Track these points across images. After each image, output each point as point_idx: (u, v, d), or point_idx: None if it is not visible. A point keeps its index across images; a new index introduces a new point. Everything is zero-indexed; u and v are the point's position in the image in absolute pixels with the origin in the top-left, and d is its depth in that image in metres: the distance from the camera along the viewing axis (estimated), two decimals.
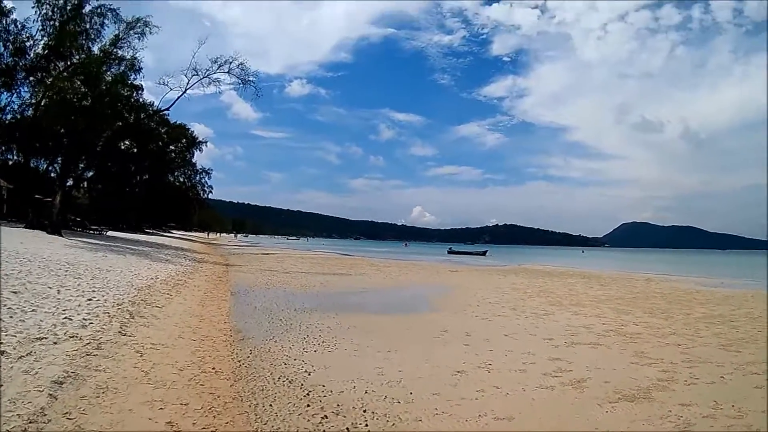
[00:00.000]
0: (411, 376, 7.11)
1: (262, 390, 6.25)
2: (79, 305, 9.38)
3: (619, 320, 12.66)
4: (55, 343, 6.67)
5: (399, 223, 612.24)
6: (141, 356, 7.07)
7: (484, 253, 76.10)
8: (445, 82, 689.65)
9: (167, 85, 34.94)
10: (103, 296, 10.84)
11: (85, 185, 58.08)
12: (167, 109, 35.87)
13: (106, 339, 7.49)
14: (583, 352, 9.01)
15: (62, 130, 32.88)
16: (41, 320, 7.62)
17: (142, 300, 11.42)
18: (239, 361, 7.66)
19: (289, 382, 6.63)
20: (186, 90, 34.90)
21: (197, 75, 35.01)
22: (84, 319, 8.40)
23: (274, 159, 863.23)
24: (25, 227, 28.21)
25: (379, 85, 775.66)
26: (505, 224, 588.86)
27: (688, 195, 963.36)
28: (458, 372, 7.38)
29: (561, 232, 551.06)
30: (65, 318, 8.15)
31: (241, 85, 35.84)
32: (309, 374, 7.04)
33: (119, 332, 8.13)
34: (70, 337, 7.09)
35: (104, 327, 8.18)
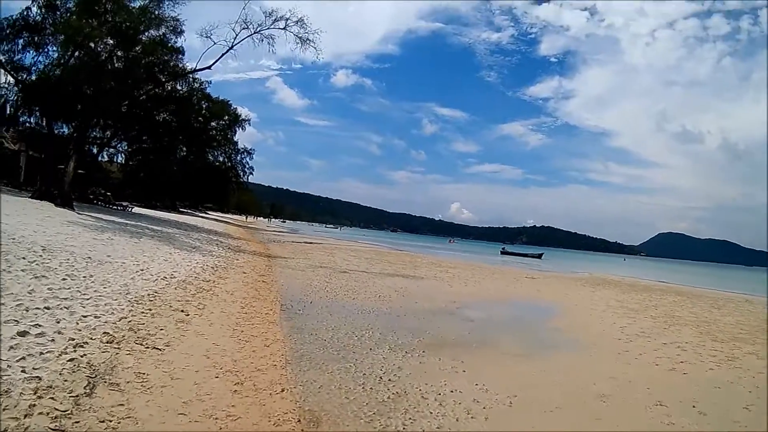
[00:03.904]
0: None
1: None
2: None
3: None
4: None
5: (436, 218, 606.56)
6: None
7: (539, 256, 69.82)
8: (491, 79, 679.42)
9: (210, 38, 29.61)
10: (62, 320, 5.96)
11: (122, 160, 54.34)
12: (210, 66, 30.48)
13: None
14: None
15: (89, 91, 28.25)
16: None
17: (132, 328, 6.45)
18: None
19: None
20: (233, 46, 29.35)
21: (247, 29, 29.56)
22: None
23: (316, 146, 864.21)
24: (31, 197, 23.70)
25: (424, 79, 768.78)
26: (543, 226, 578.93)
27: (726, 207, 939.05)
28: None
29: (598, 237, 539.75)
30: None
31: (299, 44, 30.17)
32: None
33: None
34: None
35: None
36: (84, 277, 8.49)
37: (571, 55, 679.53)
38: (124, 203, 38.15)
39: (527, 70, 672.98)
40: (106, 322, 6.24)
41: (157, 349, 5.87)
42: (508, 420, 5.47)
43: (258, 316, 9.23)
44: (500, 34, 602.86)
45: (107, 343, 5.56)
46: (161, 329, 6.68)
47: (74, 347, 5.14)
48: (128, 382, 4.73)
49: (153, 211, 42.80)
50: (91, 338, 5.54)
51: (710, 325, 14.31)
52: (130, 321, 6.61)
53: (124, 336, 5.95)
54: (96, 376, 4.64)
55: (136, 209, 37.56)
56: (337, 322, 9.71)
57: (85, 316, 6.25)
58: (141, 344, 5.87)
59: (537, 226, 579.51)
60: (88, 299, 7.08)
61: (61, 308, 6.29)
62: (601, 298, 19.59)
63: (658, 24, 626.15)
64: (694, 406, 6.52)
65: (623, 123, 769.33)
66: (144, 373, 5.02)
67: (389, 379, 6.38)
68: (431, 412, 5.39)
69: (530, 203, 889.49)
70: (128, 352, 5.49)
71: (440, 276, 22.39)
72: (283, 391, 5.45)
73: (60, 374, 4.43)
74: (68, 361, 4.74)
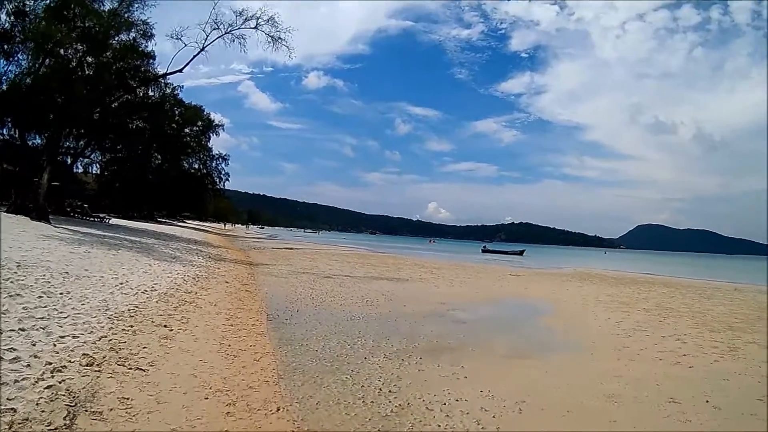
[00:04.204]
0: None
1: None
2: None
3: None
4: None
5: (414, 219, 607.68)
6: None
7: (521, 253, 70.05)
8: (462, 76, 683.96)
9: (181, 39, 29.00)
10: (38, 342, 5.55)
11: (97, 170, 53.54)
12: (182, 69, 29.77)
13: None
14: None
15: (60, 99, 27.57)
16: None
17: (113, 347, 6.06)
18: None
19: None
20: (204, 47, 28.77)
21: (218, 29, 29.00)
22: None
23: (290, 150, 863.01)
24: (6, 211, 22.94)
25: (396, 79, 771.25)
26: (521, 222, 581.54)
27: (705, 198, 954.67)
28: None
29: (577, 232, 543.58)
30: None
31: (271, 44, 29.69)
32: None
33: None
34: None
35: None
36: (61, 293, 8.05)
37: (542, 49, 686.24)
38: (101, 215, 37.35)
39: (498, 66, 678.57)
40: (85, 342, 5.84)
41: (141, 369, 5.49)
42: (520, 428, 5.18)
43: (244, 327, 8.84)
44: (470, 30, 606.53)
45: (87, 365, 5.17)
46: (144, 347, 6.28)
47: (52, 372, 4.75)
48: (111, 409, 4.35)
49: (130, 221, 41.93)
50: (69, 361, 5.15)
51: (705, 315, 14.23)
52: (110, 340, 6.21)
53: (104, 357, 5.56)
54: (76, 404, 4.26)
55: (114, 220, 36.77)
56: (327, 331, 9.36)
57: (62, 337, 5.85)
58: (123, 365, 5.49)
59: (515, 222, 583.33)
60: (65, 318, 6.67)
61: (36, 329, 5.89)
62: (590, 293, 19.44)
63: (628, 16, 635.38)
64: (707, 401, 6.31)
65: (596, 117, 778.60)
66: (128, 398, 4.64)
67: (389, 391, 6.05)
68: (439, 425, 5.07)
69: (507, 200, 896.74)
70: (110, 375, 5.10)
71: (425, 277, 22.06)
72: (278, 410, 5.09)
73: (37, 404, 4.04)
74: (45, 388, 4.35)
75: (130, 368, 5.43)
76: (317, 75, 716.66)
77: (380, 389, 6.08)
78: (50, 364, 4.93)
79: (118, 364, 5.44)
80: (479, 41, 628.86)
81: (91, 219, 33.69)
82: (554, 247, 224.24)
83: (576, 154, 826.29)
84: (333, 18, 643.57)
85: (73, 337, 5.93)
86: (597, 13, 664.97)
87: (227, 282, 14.44)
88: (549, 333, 11.12)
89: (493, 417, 5.39)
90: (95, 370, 5.10)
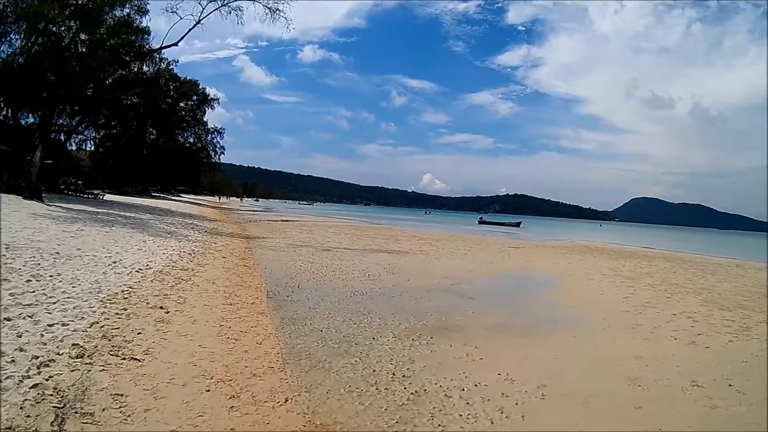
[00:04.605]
0: None
1: None
2: None
3: None
4: None
5: (409, 190, 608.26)
6: None
7: (518, 225, 69.95)
8: (458, 49, 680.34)
9: (177, 13, 28.06)
10: (24, 333, 5.14)
11: (91, 147, 52.98)
12: (177, 42, 28.93)
13: None
14: None
15: (52, 78, 26.86)
16: None
17: (105, 335, 5.64)
18: None
19: None
20: (200, 20, 27.83)
21: (214, 1, 27.98)
22: None
23: (286, 123, 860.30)
24: None
25: (392, 52, 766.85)
26: (516, 194, 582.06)
27: (700, 172, 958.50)
28: None
29: (572, 204, 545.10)
30: None
31: (269, 15, 28.67)
32: None
33: None
34: None
35: None
36: (51, 276, 7.63)
37: (539, 23, 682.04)
38: (96, 191, 36.69)
39: (495, 39, 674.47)
40: (75, 331, 5.43)
41: (136, 359, 5.08)
42: (545, 416, 4.83)
43: (244, 306, 8.46)
44: (467, 3, 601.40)
45: (77, 357, 4.76)
46: (139, 333, 5.87)
47: (38, 368, 4.33)
48: (104, 409, 3.93)
49: (125, 197, 41.52)
50: (58, 353, 4.74)
51: (710, 292, 13.96)
52: (102, 326, 5.80)
53: (96, 346, 5.15)
54: (65, 405, 3.85)
55: (108, 197, 36.25)
56: (330, 308, 8.99)
57: (51, 325, 5.43)
58: (117, 355, 5.08)
59: (510, 194, 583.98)
60: (54, 303, 6.25)
61: (23, 317, 5.48)
62: (592, 266, 19.30)
63: None
64: (730, 385, 6.02)
65: (593, 90, 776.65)
66: (122, 395, 4.22)
67: (403, 375, 5.69)
68: (461, 415, 4.71)
69: (502, 172, 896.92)
70: (102, 368, 4.69)
71: (425, 249, 21.80)
72: (287, 401, 4.70)
73: (21, 408, 3.62)
74: (31, 388, 3.92)
75: (124, 358, 5.03)
76: (313, 49, 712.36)
77: (393, 374, 5.72)
78: (37, 358, 4.52)
79: (111, 354, 5.04)
80: (476, 14, 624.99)
81: (85, 196, 33.15)
82: (549, 219, 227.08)
83: (572, 126, 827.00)
84: None
85: (63, 324, 5.52)
86: None
87: (224, 257, 14.04)
88: (558, 309, 10.75)
89: (516, 404, 5.04)
90: (86, 363, 4.70)
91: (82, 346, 5.02)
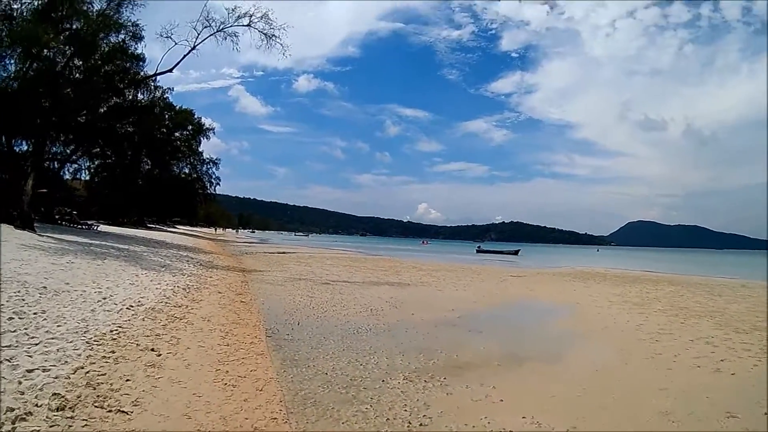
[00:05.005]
0: None
1: None
2: None
3: None
4: None
5: (405, 220, 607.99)
6: None
7: (516, 253, 69.47)
8: (452, 77, 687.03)
9: (171, 38, 27.99)
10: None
11: (86, 176, 52.16)
12: (171, 69, 28.75)
13: None
14: None
15: (46, 104, 26.61)
16: None
17: (90, 382, 5.16)
18: None
19: None
20: (195, 46, 27.81)
21: (210, 27, 27.92)
22: None
23: (281, 153, 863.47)
24: None
25: (386, 81, 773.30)
26: (512, 221, 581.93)
27: (695, 193, 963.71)
28: None
29: (567, 230, 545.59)
30: None
31: (265, 41, 28.66)
32: None
33: None
34: None
35: None
36: (35, 314, 7.12)
37: (532, 49, 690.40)
38: (90, 222, 36.28)
39: (489, 66, 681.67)
40: (57, 378, 4.91)
41: (123, 411, 4.55)
42: None
43: (242, 347, 7.92)
44: (460, 31, 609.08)
45: (57, 410, 4.24)
46: (127, 380, 5.35)
47: (13, 423, 3.83)
48: None
49: (120, 228, 41.00)
50: (36, 405, 4.23)
51: (723, 315, 13.65)
52: (87, 372, 5.28)
53: (79, 396, 4.63)
54: None
55: (103, 227, 35.86)
56: (334, 347, 8.47)
57: (30, 371, 4.93)
58: (102, 406, 4.55)
59: (506, 221, 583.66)
60: (36, 345, 5.75)
61: (0, 362, 4.95)
62: (598, 293, 18.81)
63: (618, 14, 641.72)
64: (765, 413, 5.65)
65: (586, 114, 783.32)
66: None
67: (420, 423, 5.18)
68: None
69: (497, 199, 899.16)
70: (85, 422, 4.17)
71: (426, 281, 21.26)
72: None
73: None
74: None
75: (110, 410, 4.51)
76: (307, 78, 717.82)
77: (409, 422, 5.21)
78: (12, 410, 4.02)
79: (96, 406, 4.52)
80: (469, 42, 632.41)
81: (79, 226, 32.64)
82: (546, 246, 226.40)
83: (566, 152, 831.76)
84: (323, 21, 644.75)
85: (44, 370, 5.02)
86: (587, 12, 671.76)
87: (220, 292, 13.49)
88: (572, 340, 10.31)
89: None
90: (67, 416, 4.19)
91: (63, 396, 4.51)
